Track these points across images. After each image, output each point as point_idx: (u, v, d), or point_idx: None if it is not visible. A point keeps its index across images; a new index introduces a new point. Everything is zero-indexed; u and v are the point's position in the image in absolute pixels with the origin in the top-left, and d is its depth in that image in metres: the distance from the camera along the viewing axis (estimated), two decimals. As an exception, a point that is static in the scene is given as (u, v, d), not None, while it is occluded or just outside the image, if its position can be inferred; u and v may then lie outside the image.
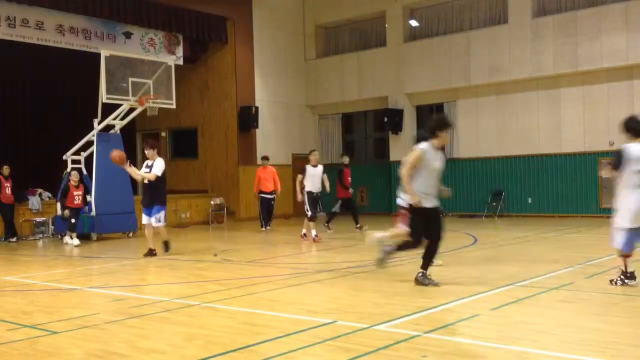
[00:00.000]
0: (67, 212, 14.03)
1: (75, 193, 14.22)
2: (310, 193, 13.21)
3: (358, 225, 15.28)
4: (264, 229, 16.01)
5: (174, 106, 17.04)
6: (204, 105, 21.49)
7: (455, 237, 13.44)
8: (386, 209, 21.46)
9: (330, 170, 15.43)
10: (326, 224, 15.46)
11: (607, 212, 17.30)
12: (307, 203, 13.18)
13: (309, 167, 13.40)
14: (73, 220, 14.04)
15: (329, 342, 4.86)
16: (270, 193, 16.16)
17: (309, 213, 13.14)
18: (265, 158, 16.84)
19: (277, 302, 6.62)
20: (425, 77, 20.56)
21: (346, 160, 16.16)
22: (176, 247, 12.61)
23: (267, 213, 16.21)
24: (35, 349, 4.99)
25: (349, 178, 15.77)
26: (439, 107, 20.95)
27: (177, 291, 7.53)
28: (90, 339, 5.30)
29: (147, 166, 10.76)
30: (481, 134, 19.80)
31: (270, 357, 4.52)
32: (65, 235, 14.46)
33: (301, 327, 5.39)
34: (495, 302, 6.26)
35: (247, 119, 20.42)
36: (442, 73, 20.18)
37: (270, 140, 21.64)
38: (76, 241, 13.83)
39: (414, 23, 21.47)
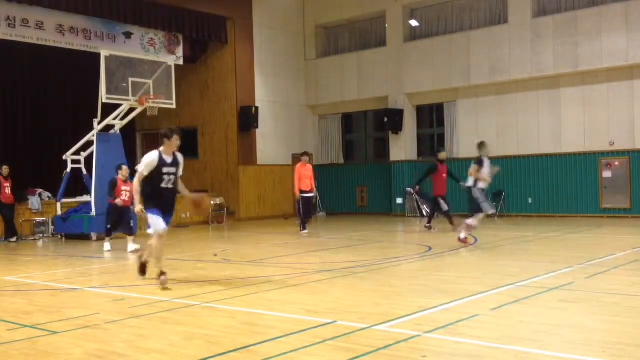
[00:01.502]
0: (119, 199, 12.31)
1: (123, 189, 12.35)
2: (482, 190, 11.39)
3: (453, 226, 14.24)
4: (305, 231, 14.86)
5: (174, 106, 17.05)
6: (204, 105, 21.50)
7: (455, 236, 13.43)
8: (386, 210, 21.47)
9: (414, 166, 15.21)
10: (452, 225, 14.35)
11: (607, 212, 17.38)
12: (480, 200, 11.32)
13: (485, 158, 11.53)
14: (109, 226, 12.47)
15: (329, 342, 4.85)
16: (311, 191, 15.10)
17: (487, 210, 11.44)
18: (306, 154, 15.51)
19: (277, 302, 6.62)
20: (426, 77, 20.56)
21: (442, 155, 14.81)
22: (176, 247, 12.61)
23: (307, 213, 15.08)
24: (35, 349, 4.99)
25: (444, 175, 14.61)
26: (439, 107, 20.97)
27: (177, 291, 7.52)
28: (90, 339, 5.30)
29: (171, 164, 7.82)
30: (481, 134, 19.75)
31: (270, 357, 4.52)
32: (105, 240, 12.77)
33: (301, 327, 5.39)
34: (496, 302, 6.26)
35: (247, 119, 20.42)
36: (442, 73, 20.18)
37: (270, 140, 21.65)
38: (108, 246, 12.46)
39: (414, 23, 21.46)
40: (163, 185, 7.75)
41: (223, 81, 21.07)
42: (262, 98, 21.40)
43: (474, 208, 11.48)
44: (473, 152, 19.94)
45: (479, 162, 11.46)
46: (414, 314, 5.78)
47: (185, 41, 19.87)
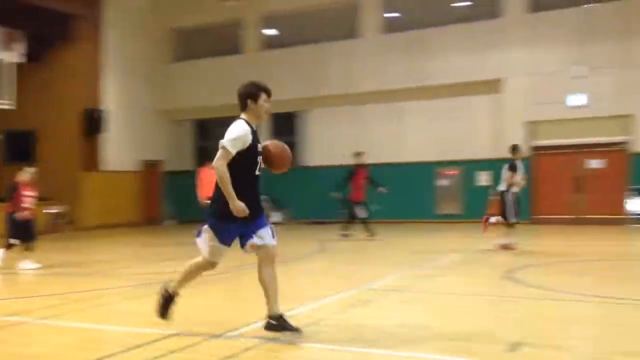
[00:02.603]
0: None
1: (25, 194, 10.25)
2: (514, 195, 11.16)
3: (369, 235, 13.75)
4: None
5: (14, 107, 15.76)
6: (45, 107, 20.06)
7: (303, 244, 13.68)
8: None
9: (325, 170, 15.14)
10: (345, 232, 13.96)
11: (442, 218, 18.64)
12: (510, 205, 11.12)
13: (518, 162, 11.29)
14: (12, 241, 10.11)
15: (174, 355, 4.70)
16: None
17: (512, 218, 11.13)
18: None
19: (118, 315, 6.31)
20: (281, 85, 20.73)
21: (362, 159, 14.26)
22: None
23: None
24: None
25: (364, 180, 14.03)
26: (293, 116, 21.34)
27: (5, 308, 6.91)
28: None
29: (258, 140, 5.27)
30: (333, 142, 20.42)
31: (108, 374, 4.29)
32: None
33: (144, 340, 5.16)
34: (340, 305, 6.44)
35: (93, 122, 19.39)
36: (297, 82, 20.58)
37: (118, 145, 20.71)
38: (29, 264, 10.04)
39: (270, 32, 21.68)
40: (257, 173, 5.15)
41: (67, 82, 19.82)
42: (110, 101, 20.45)
43: (502, 212, 11.25)
44: (325, 161, 20.67)
45: (513, 166, 11.17)
46: (261, 322, 5.78)
47: (26, 37, 18.43)
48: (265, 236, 5.10)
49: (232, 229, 5.05)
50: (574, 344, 4.86)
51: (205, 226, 5.13)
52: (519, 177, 11.20)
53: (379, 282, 7.97)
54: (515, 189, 11.19)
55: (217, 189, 4.99)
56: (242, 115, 5.12)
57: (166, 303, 5.39)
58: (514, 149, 11.41)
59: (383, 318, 5.86)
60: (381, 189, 14.01)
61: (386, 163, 19.54)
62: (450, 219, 18.69)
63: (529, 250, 11.52)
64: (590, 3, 17.52)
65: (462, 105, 18.84)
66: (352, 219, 14.17)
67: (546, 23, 17.82)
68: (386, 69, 19.48)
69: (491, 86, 18.34)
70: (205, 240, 5.15)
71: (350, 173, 14.08)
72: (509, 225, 11.21)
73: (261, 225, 5.10)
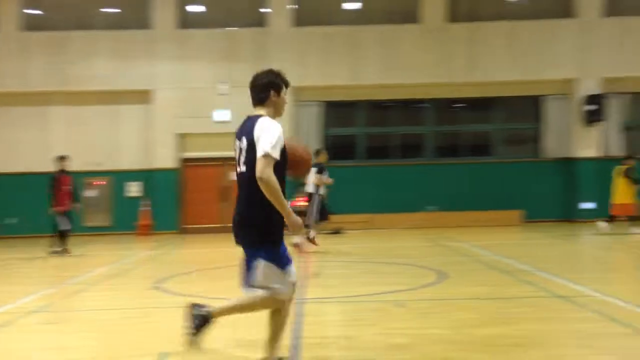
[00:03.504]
0: None
1: None
2: (321, 196, 11.74)
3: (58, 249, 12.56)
4: None
5: None
6: None
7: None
8: None
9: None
10: (57, 249, 12.56)
11: (90, 230, 17.84)
12: (317, 206, 11.58)
13: (324, 165, 11.76)
14: None
15: None
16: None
17: (317, 217, 11.64)
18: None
19: None
20: None
21: (66, 165, 12.99)
22: None
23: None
24: None
25: (69, 187, 12.79)
26: None
27: None
28: None
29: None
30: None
31: None
32: None
33: None
34: (-31, 335, 5.70)
35: None
36: None
37: None
38: None
39: None
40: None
41: None
42: None
43: (312, 212, 11.58)
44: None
45: (321, 169, 11.57)
46: None
47: None
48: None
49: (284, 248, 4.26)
50: (219, 347, 5.19)
51: (260, 262, 4.22)
52: (325, 178, 11.88)
53: (15, 303, 7.27)
54: (322, 191, 11.86)
55: (253, 206, 4.18)
56: (261, 111, 4.30)
57: None
58: (317, 152, 12.02)
59: (23, 342, 5.38)
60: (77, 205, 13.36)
61: (30, 172, 17.87)
62: (98, 231, 18.04)
63: (173, 260, 11.88)
64: (234, 27, 18.90)
65: (111, 113, 18.40)
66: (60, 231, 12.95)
67: (195, 40, 18.59)
68: (27, 69, 17.88)
69: (141, 97, 18.33)
70: (268, 279, 4.19)
71: (52, 180, 12.88)
72: (316, 222, 11.93)
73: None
